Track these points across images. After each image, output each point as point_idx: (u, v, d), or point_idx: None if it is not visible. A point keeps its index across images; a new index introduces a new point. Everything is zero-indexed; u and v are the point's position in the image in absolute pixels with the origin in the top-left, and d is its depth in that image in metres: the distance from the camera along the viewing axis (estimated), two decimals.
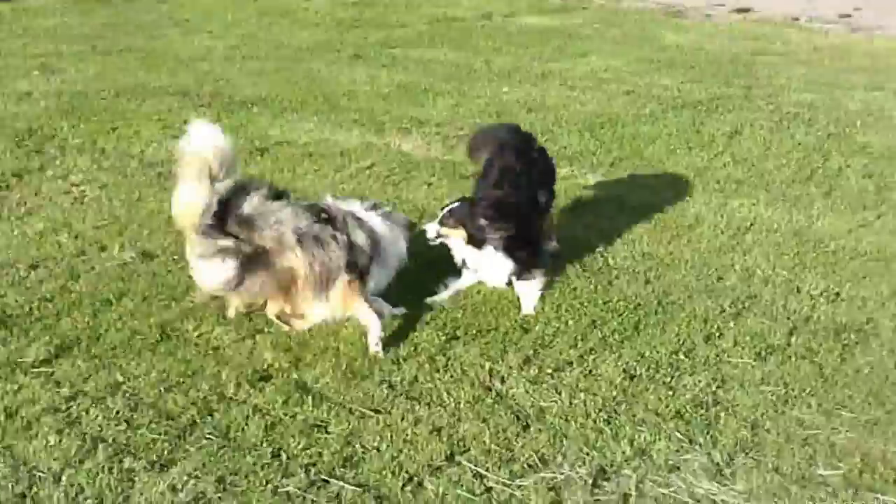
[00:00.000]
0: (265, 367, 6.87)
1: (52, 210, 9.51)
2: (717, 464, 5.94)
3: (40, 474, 5.64)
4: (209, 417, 6.25)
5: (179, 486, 5.57)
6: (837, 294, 8.19)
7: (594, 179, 10.99)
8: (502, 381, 6.77)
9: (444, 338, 7.26)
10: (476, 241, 7.77)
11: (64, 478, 5.62)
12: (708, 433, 6.22)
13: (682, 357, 7.15)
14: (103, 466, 5.71)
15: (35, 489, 5.52)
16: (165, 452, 5.87)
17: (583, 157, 11.67)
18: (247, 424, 6.18)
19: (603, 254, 8.85)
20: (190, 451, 5.89)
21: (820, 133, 13.01)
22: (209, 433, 6.08)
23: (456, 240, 7.90)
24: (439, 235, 7.92)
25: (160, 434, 6.04)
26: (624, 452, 6.01)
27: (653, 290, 8.18)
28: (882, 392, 6.74)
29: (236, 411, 6.31)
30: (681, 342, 7.34)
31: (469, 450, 6.00)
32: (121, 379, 6.63)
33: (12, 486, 5.54)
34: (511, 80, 15.85)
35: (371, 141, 12.09)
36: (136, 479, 5.63)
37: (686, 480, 5.77)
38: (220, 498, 5.50)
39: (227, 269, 6.74)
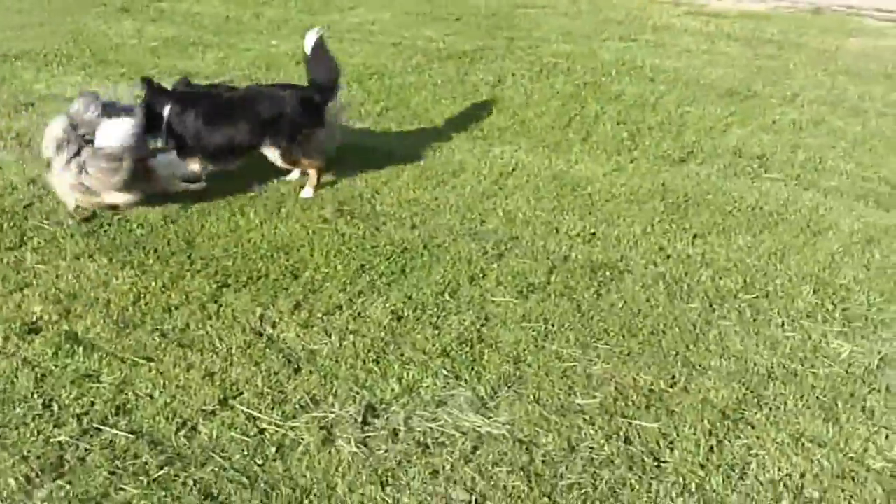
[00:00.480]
0: (34, 319, 6.85)
1: None
2: (482, 398, 6.16)
3: None
4: None
5: None
6: (593, 234, 8.50)
7: (362, 128, 11.13)
8: (273, 326, 6.88)
9: (214, 286, 7.34)
10: None
11: None
12: (473, 369, 6.44)
13: (447, 298, 7.35)
14: None
15: None
16: None
17: (351, 108, 11.79)
18: (16, 377, 6.18)
19: (370, 200, 9.02)
20: None
21: (577, 82, 13.37)
22: None
23: None
24: None
25: None
26: (393, 390, 6.19)
27: (419, 234, 8.37)
28: (634, 324, 7.06)
29: (5, 364, 6.31)
30: (446, 283, 7.55)
31: (242, 393, 6.11)
32: None
33: None
34: (280, 33, 15.87)
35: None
36: None
37: (452, 414, 5.98)
38: None
39: None
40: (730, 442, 5.79)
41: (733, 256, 8.14)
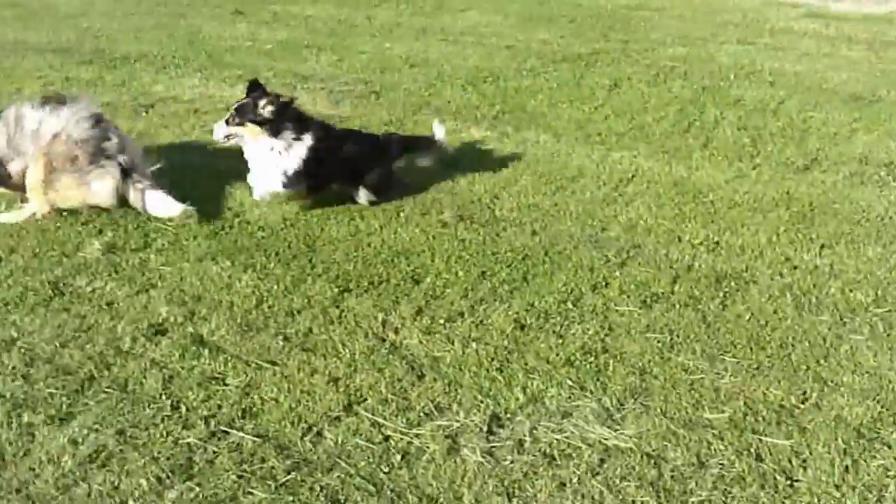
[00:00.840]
0: (160, 320, 6.88)
1: None
2: (608, 409, 6.06)
3: None
4: (106, 371, 6.26)
5: (80, 440, 5.58)
6: (717, 243, 8.40)
7: (478, 133, 11.10)
8: (396, 331, 6.86)
9: (336, 290, 7.34)
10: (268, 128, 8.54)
11: None
12: (598, 380, 6.35)
13: (570, 306, 7.28)
14: (2, 422, 5.71)
15: None
16: (64, 406, 5.88)
17: (466, 111, 11.79)
18: (145, 378, 6.20)
19: (490, 205, 8.99)
20: (89, 405, 5.90)
21: (695, 86, 13.29)
22: (107, 387, 6.09)
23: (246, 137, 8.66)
24: (228, 136, 8.73)
25: (58, 389, 6.05)
26: (517, 399, 6.13)
27: (539, 240, 8.32)
28: (762, 337, 6.94)
29: (133, 365, 6.34)
30: (569, 291, 7.48)
31: (366, 399, 6.08)
32: (15, 335, 6.64)
33: None
34: (393, 36, 15.93)
35: None
36: (36, 432, 5.63)
37: (578, 426, 5.89)
38: (121, 450, 5.51)
39: None
40: (865, 462, 5.64)
41: (863, 268, 7.98)
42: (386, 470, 5.48)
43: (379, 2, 18.51)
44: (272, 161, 8.59)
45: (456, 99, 12.32)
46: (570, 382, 6.32)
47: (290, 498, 5.23)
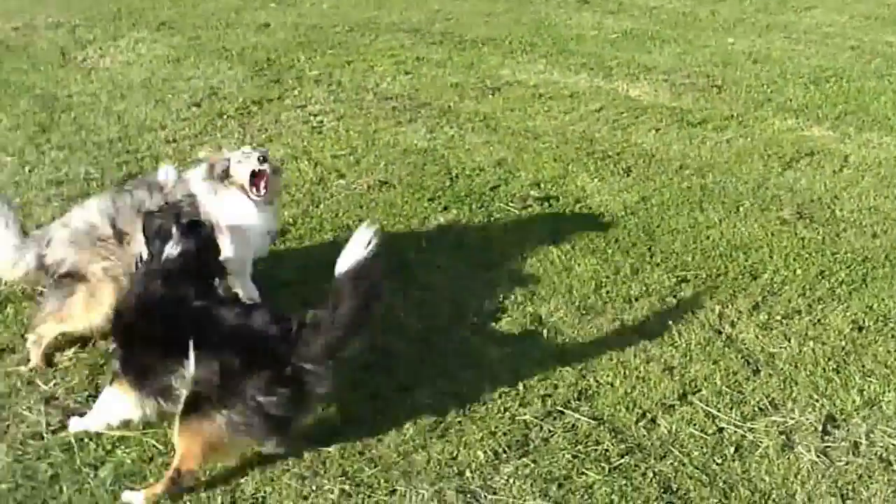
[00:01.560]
0: (501, 299, 7.07)
1: (292, 138, 9.98)
2: None
3: None
4: (449, 344, 6.52)
5: (421, 409, 5.81)
6: None
7: (819, 132, 10.92)
8: (732, 325, 6.85)
9: (674, 280, 7.38)
10: None
11: None
12: None
13: None
14: (348, 385, 5.91)
15: None
16: (408, 375, 6.14)
17: (808, 110, 11.60)
18: (485, 351, 6.42)
19: (830, 205, 8.84)
20: (431, 376, 6.15)
21: None
22: (449, 359, 6.34)
23: None
24: None
25: (403, 357, 6.34)
26: (854, 401, 6.05)
27: (880, 244, 8.16)
28: None
29: (475, 340, 6.56)
30: None
31: (700, 390, 6.12)
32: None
33: None
34: (736, 31, 15.78)
35: (599, 85, 12.22)
36: (380, 398, 5.91)
37: None
38: (459, 422, 5.72)
39: None
40: None
41: None
42: (719, 461, 5.51)
43: None
44: None
45: (798, 97, 12.13)
46: None
47: (624, 481, 5.31)
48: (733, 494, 5.25)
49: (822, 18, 17.12)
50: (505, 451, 5.50)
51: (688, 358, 6.43)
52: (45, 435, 5.51)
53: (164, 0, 15.98)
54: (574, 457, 5.48)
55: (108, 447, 5.43)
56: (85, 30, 13.74)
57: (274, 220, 6.71)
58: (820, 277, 7.55)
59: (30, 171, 8.89)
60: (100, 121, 10.31)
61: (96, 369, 6.11)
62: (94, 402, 5.68)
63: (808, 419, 5.87)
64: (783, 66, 13.55)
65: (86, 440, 5.46)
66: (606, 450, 5.55)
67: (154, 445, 5.45)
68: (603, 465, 5.43)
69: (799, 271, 7.62)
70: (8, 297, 6.82)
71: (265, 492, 5.14)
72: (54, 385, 5.96)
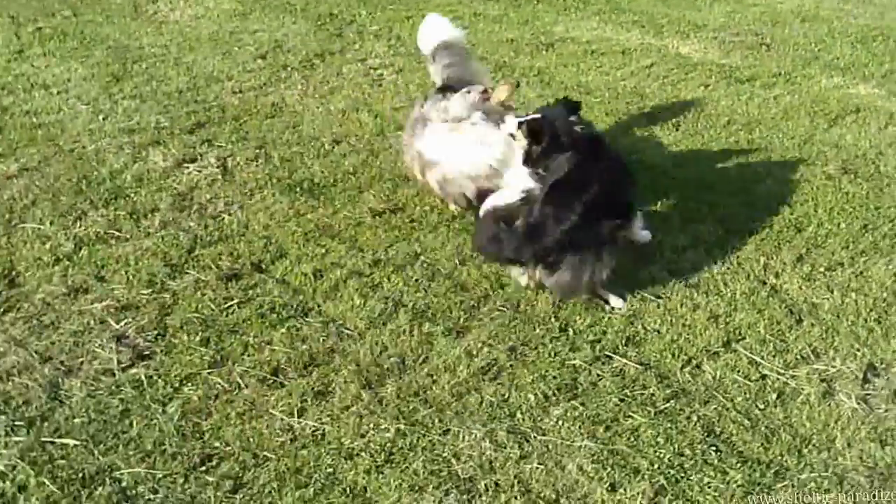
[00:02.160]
0: None
1: (353, 90, 10.17)
2: None
3: (347, 331, 6.17)
4: (500, 290, 6.69)
5: (474, 352, 6.03)
6: None
7: (865, 90, 10.99)
8: (776, 276, 7.00)
9: (722, 231, 7.52)
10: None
11: (368, 336, 6.15)
12: None
13: None
14: (404, 329, 6.21)
15: (343, 345, 6.06)
16: (461, 320, 6.35)
17: (854, 69, 11.66)
18: (536, 299, 6.60)
19: (874, 161, 8.93)
20: (483, 321, 6.35)
21: None
22: (501, 305, 6.53)
23: None
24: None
25: (456, 303, 6.52)
26: (894, 351, 6.21)
27: None
28: None
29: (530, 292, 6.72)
30: None
31: (744, 338, 6.29)
32: (419, 250, 7.16)
33: (322, 340, 6.09)
34: None
35: (650, 42, 12.33)
36: (435, 342, 6.12)
37: None
38: (511, 365, 5.93)
39: None
40: None
41: None
42: (761, 407, 5.69)
43: None
44: None
45: (845, 55, 12.19)
46: None
47: (669, 424, 5.50)
48: (775, 438, 5.42)
49: None
50: (554, 394, 5.70)
51: (732, 307, 6.59)
52: (116, 372, 5.78)
53: None
54: (621, 400, 5.68)
55: (176, 384, 5.69)
56: None
57: None
58: (863, 231, 7.67)
59: (103, 118, 9.16)
60: (170, 72, 10.55)
61: (165, 309, 6.37)
62: (162, 340, 6.00)
63: (848, 368, 6.03)
64: (831, 25, 13.59)
65: (154, 377, 5.73)
66: (652, 394, 5.74)
67: (218, 383, 5.71)
68: (649, 408, 5.63)
69: (843, 225, 7.73)
70: (81, 239, 7.09)
71: (324, 430, 5.38)
72: (125, 324, 6.21)
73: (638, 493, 5.06)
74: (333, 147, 8.73)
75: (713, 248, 7.28)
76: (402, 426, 5.42)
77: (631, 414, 5.58)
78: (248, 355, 5.99)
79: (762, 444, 5.40)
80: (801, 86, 10.90)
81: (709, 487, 5.12)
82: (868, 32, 13.32)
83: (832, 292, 6.82)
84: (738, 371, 5.97)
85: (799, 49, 12.36)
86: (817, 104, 10.28)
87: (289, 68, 10.79)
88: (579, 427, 5.47)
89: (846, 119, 9.90)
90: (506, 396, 5.69)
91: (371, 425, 5.42)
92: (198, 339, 6.08)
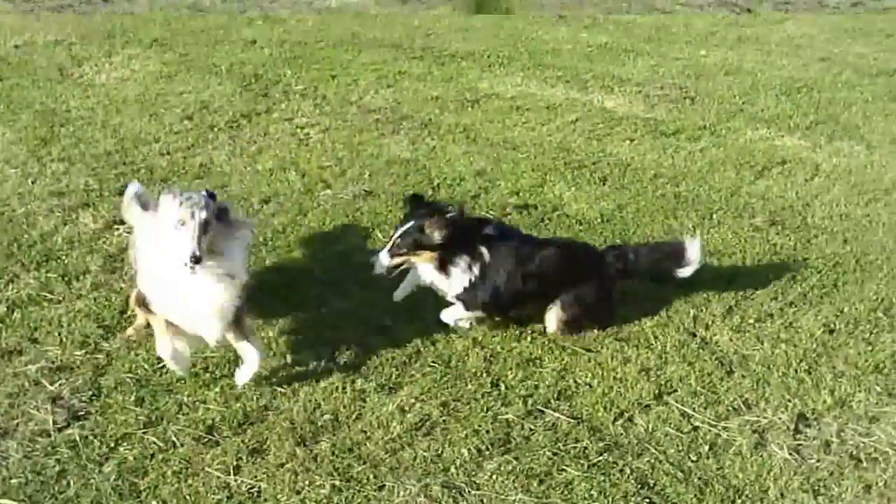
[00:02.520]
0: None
1: (280, 149, 10.15)
2: None
3: (280, 390, 6.13)
4: (433, 347, 6.69)
5: (407, 408, 6.02)
6: None
7: (791, 142, 11.14)
8: (706, 327, 7.06)
9: (650, 284, 7.54)
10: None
11: (302, 393, 6.11)
12: None
13: (880, 315, 7.35)
14: (337, 386, 6.18)
15: (276, 402, 6.02)
16: (394, 376, 6.33)
17: (779, 120, 11.83)
18: (468, 356, 6.60)
19: (801, 212, 9.06)
20: (416, 377, 6.34)
21: None
22: (432, 361, 6.53)
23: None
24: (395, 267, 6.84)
25: (388, 359, 6.50)
26: (825, 402, 6.26)
27: (851, 249, 8.38)
28: None
29: (458, 343, 6.74)
30: (879, 300, 7.54)
31: (676, 390, 6.33)
32: (352, 306, 7.15)
33: (256, 398, 6.04)
34: (708, 44, 16.01)
35: (575, 97, 12.43)
36: (367, 399, 6.09)
37: (886, 431, 6.00)
38: (444, 421, 5.91)
39: None
40: None
41: None
42: (694, 458, 5.72)
43: (695, 12, 18.56)
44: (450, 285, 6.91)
45: (770, 107, 12.37)
46: (878, 388, 6.44)
47: (602, 478, 5.51)
48: (708, 490, 5.45)
49: (793, 31, 17.37)
50: (488, 449, 5.70)
51: (663, 360, 6.64)
52: (51, 432, 5.71)
53: (155, 18, 16.13)
54: (554, 454, 5.69)
55: (112, 444, 5.63)
56: (81, 47, 13.88)
57: None
58: (792, 282, 7.76)
59: (33, 182, 9.05)
60: (97, 134, 10.46)
61: (99, 370, 6.32)
62: (97, 400, 5.98)
63: (780, 418, 6.09)
64: (755, 78, 13.80)
65: (90, 437, 5.67)
66: (585, 447, 5.75)
67: (154, 442, 5.65)
68: (582, 462, 5.63)
69: (771, 276, 7.82)
70: (14, 302, 7.00)
71: (260, 487, 5.34)
72: (60, 385, 6.14)
73: None
74: (262, 206, 8.69)
75: (643, 302, 7.33)
76: (337, 482, 5.39)
77: (564, 468, 5.58)
78: (183, 414, 5.93)
79: (696, 495, 5.42)
80: (726, 138, 11.04)
81: None
82: (792, 84, 13.54)
83: (762, 343, 6.89)
84: (671, 423, 6.00)
85: (724, 102, 12.52)
86: (743, 156, 10.43)
87: (216, 129, 10.74)
88: (513, 481, 5.47)
89: (772, 171, 10.03)
90: (439, 451, 5.68)
91: (306, 482, 5.39)
92: (132, 398, 6.02)
